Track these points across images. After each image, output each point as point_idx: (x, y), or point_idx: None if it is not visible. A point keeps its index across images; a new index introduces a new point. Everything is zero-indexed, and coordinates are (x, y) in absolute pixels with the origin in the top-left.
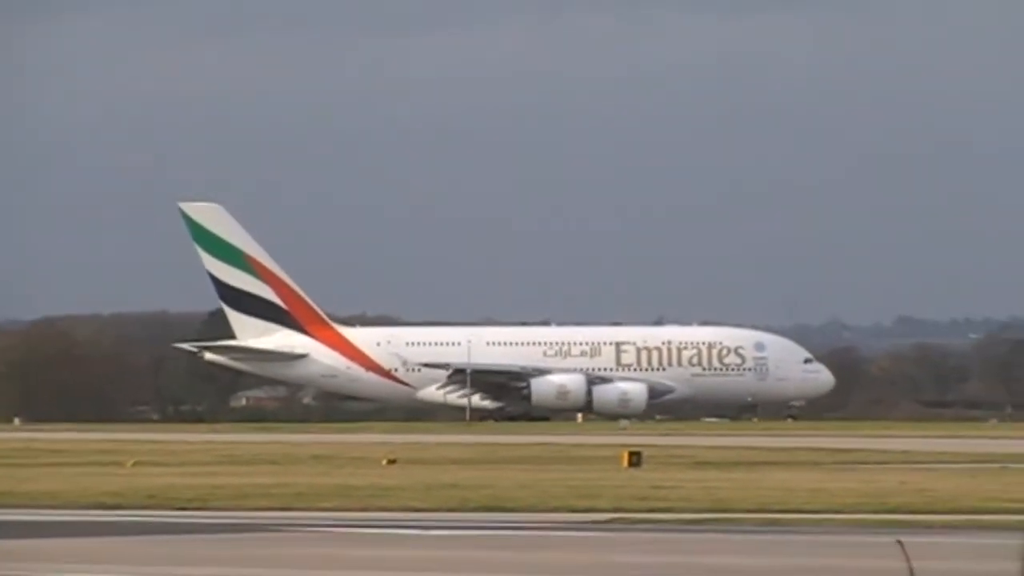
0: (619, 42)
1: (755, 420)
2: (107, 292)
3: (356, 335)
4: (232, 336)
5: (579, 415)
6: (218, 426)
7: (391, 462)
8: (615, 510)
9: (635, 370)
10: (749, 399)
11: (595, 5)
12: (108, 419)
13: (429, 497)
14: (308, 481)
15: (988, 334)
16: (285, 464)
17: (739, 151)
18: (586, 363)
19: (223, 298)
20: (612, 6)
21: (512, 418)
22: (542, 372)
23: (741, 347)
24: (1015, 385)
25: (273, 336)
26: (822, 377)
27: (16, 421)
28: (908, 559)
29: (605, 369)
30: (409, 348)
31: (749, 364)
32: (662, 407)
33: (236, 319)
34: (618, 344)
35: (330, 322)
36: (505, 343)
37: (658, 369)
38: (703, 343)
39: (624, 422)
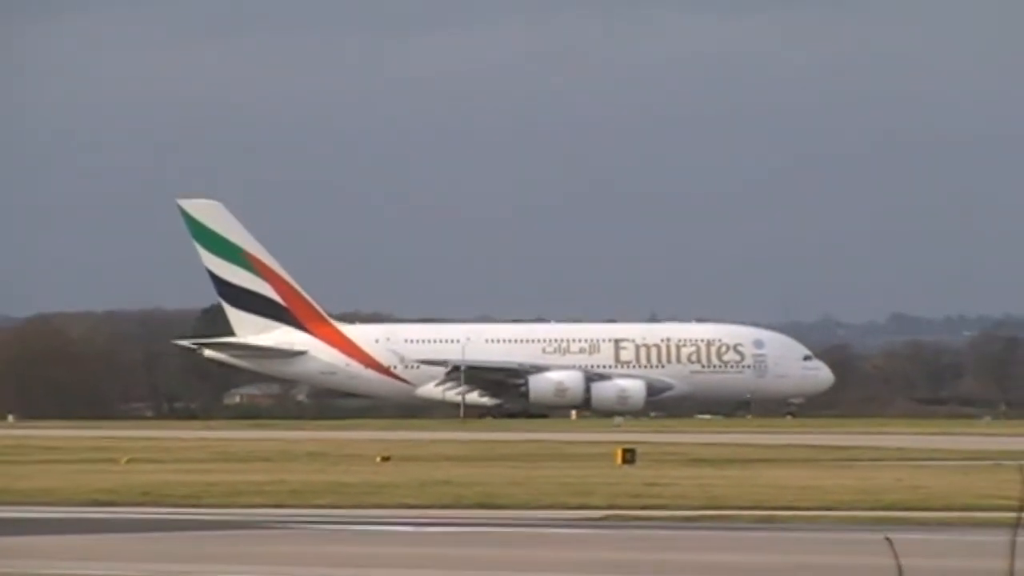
0: (618, 41)
1: (749, 417)
2: (101, 289)
3: (355, 332)
4: (227, 332)
5: (573, 412)
6: (212, 423)
7: (385, 459)
8: (609, 507)
9: (634, 367)
10: (748, 396)
11: (595, 4)
12: (102, 416)
13: (423, 494)
14: (302, 478)
15: (982, 331)
16: (279, 461)
17: (735, 150)
18: (585, 360)
19: (222, 295)
20: (612, 5)
21: (511, 415)
22: (540, 369)
23: (740, 344)
24: (1009, 382)
25: (272, 333)
26: (821, 374)
27: (10, 418)
28: (897, 556)
29: (604, 366)
30: (408, 345)
31: (748, 361)
32: (661, 404)
33: (235, 316)
34: (617, 341)
35: (329, 319)
36: (504, 340)
37: (657, 366)
38: (702, 340)
39: (618, 419)
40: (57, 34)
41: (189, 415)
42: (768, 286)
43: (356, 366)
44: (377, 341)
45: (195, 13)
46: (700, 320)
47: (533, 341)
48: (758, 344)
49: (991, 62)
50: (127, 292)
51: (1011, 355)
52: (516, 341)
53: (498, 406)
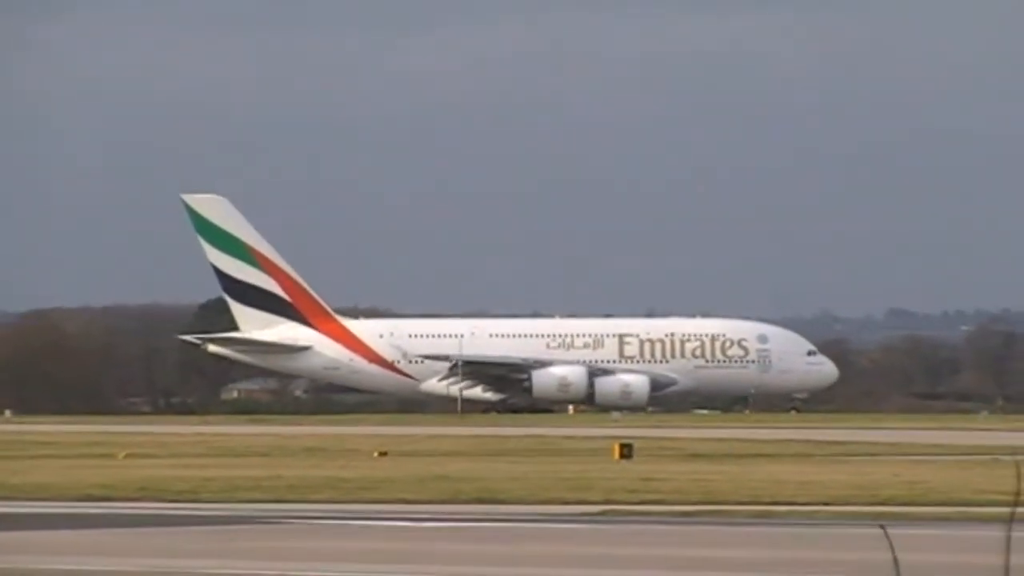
0: (617, 39)
1: (746, 412)
2: (99, 284)
3: (359, 327)
4: (224, 327)
5: (571, 407)
6: (209, 418)
7: (383, 454)
8: (606, 502)
9: (638, 362)
10: (752, 391)
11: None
12: (99, 411)
13: (420, 489)
14: (300, 473)
15: (979, 326)
16: (276, 456)
17: (733, 147)
18: (589, 355)
19: (226, 290)
20: (612, 5)
21: (515, 410)
22: (543, 364)
23: (744, 339)
24: (1006, 377)
25: (276, 328)
26: (825, 369)
27: (7, 413)
28: (892, 546)
29: (608, 361)
30: (412, 340)
31: (752, 356)
32: (665, 399)
33: (239, 311)
34: (621, 336)
35: (333, 314)
36: (508, 335)
37: (661, 361)
38: (706, 335)
39: (616, 414)
40: (56, 30)
41: (186, 410)
42: (766, 281)
43: (360, 361)
44: (381, 336)
45: (196, 6)
46: (701, 315)
47: (537, 336)
48: (762, 339)
49: (986, 58)
50: (125, 287)
51: (1008, 350)
52: (520, 336)
53: (502, 401)
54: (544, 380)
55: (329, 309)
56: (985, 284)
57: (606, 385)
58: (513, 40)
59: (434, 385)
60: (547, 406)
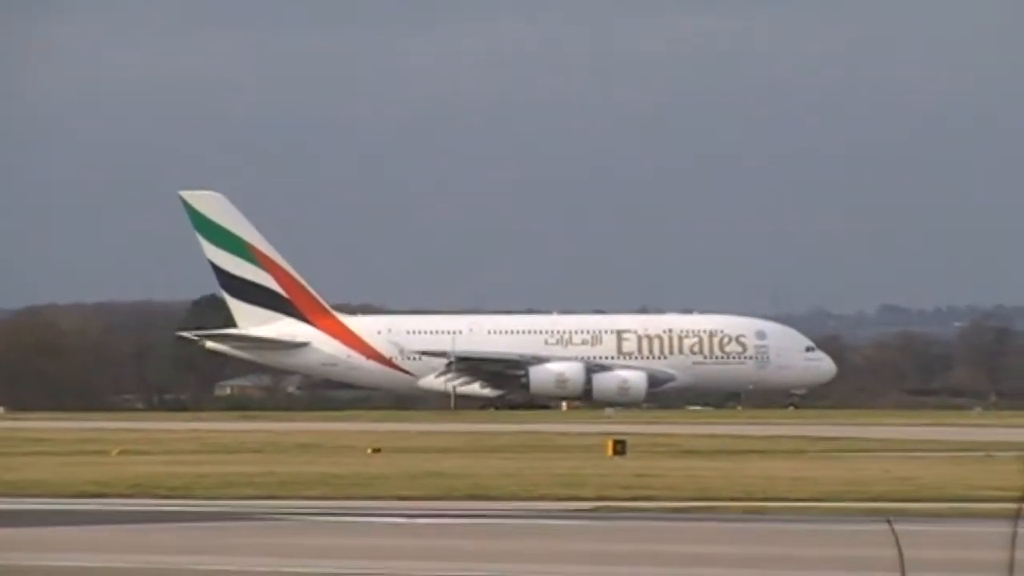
0: (616, 38)
1: (739, 408)
2: (92, 282)
3: (357, 324)
4: (217, 324)
5: (564, 403)
6: (202, 415)
7: (376, 451)
8: (599, 498)
9: (636, 358)
10: (750, 387)
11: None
12: (92, 408)
13: (414, 486)
14: (293, 470)
15: (972, 322)
16: (270, 453)
17: (724, 143)
18: (587, 351)
19: (224, 287)
20: (612, 4)
21: (513, 407)
22: (540, 360)
23: (743, 335)
24: (999, 373)
25: (274, 325)
26: (824, 365)
27: (0, 410)
28: (898, 541)
29: (606, 357)
30: (410, 336)
31: (750, 352)
32: (663, 395)
33: (237, 308)
34: (619, 332)
35: (331, 311)
36: (506, 331)
37: (659, 357)
38: (704, 331)
39: (609, 410)
40: (53, 26)
41: (179, 407)
42: (759, 278)
43: (357, 358)
44: (379, 333)
45: (195, 1)
46: (686, 311)
47: (535, 332)
48: (760, 335)
49: (980, 53)
50: (118, 284)
51: (1001, 346)
52: (518, 332)
53: (500, 397)
54: (541, 376)
55: (327, 305)
56: (978, 280)
57: (604, 381)
58: (510, 37)
59: (432, 381)
60: (545, 402)
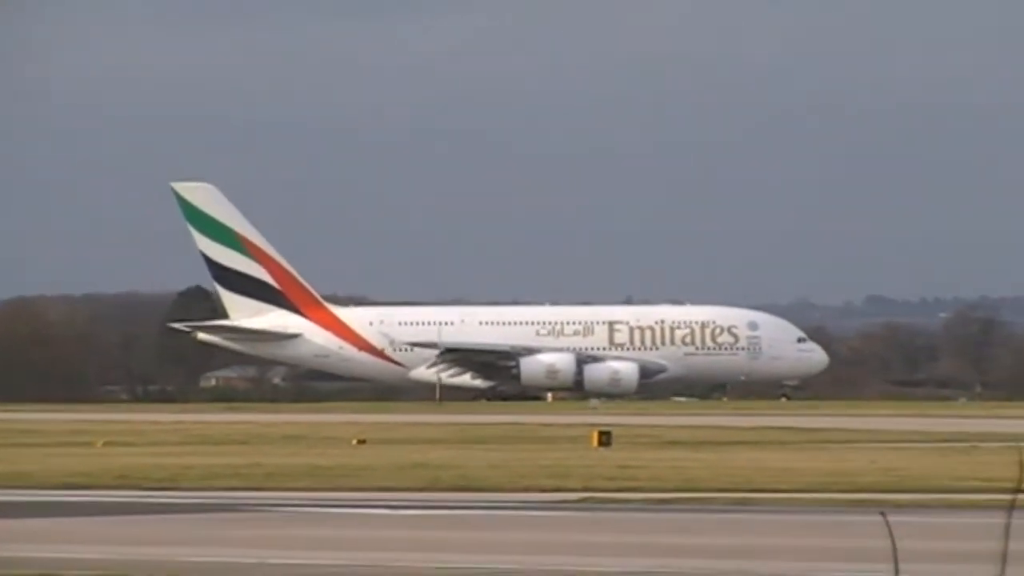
0: (615, 38)
1: (724, 399)
2: (78, 273)
3: (349, 315)
4: (202, 315)
5: (549, 395)
6: (188, 406)
7: (361, 442)
8: (585, 490)
9: (628, 349)
10: (743, 378)
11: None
12: (78, 399)
13: (399, 477)
14: (278, 461)
15: (957, 313)
16: (255, 444)
17: (712, 136)
18: (579, 342)
19: (216, 278)
20: (612, 4)
21: (505, 398)
22: (531, 351)
23: (734, 326)
24: (984, 364)
25: (266, 316)
26: (816, 356)
27: None
28: (891, 533)
29: (598, 348)
30: (401, 327)
31: (742, 343)
32: (655, 386)
33: (229, 299)
34: (611, 323)
35: (323, 302)
36: (498, 322)
37: (651, 348)
38: (696, 322)
39: (594, 401)
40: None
41: (165, 398)
42: (744, 269)
43: (349, 349)
44: (371, 324)
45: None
46: (673, 301)
47: (527, 323)
48: (752, 326)
49: (972, 46)
50: (104, 276)
51: (986, 337)
52: (510, 323)
53: (491, 388)
54: (532, 367)
55: (319, 297)
56: (963, 271)
57: (595, 372)
58: (501, 26)
59: (423, 372)
60: (536, 393)
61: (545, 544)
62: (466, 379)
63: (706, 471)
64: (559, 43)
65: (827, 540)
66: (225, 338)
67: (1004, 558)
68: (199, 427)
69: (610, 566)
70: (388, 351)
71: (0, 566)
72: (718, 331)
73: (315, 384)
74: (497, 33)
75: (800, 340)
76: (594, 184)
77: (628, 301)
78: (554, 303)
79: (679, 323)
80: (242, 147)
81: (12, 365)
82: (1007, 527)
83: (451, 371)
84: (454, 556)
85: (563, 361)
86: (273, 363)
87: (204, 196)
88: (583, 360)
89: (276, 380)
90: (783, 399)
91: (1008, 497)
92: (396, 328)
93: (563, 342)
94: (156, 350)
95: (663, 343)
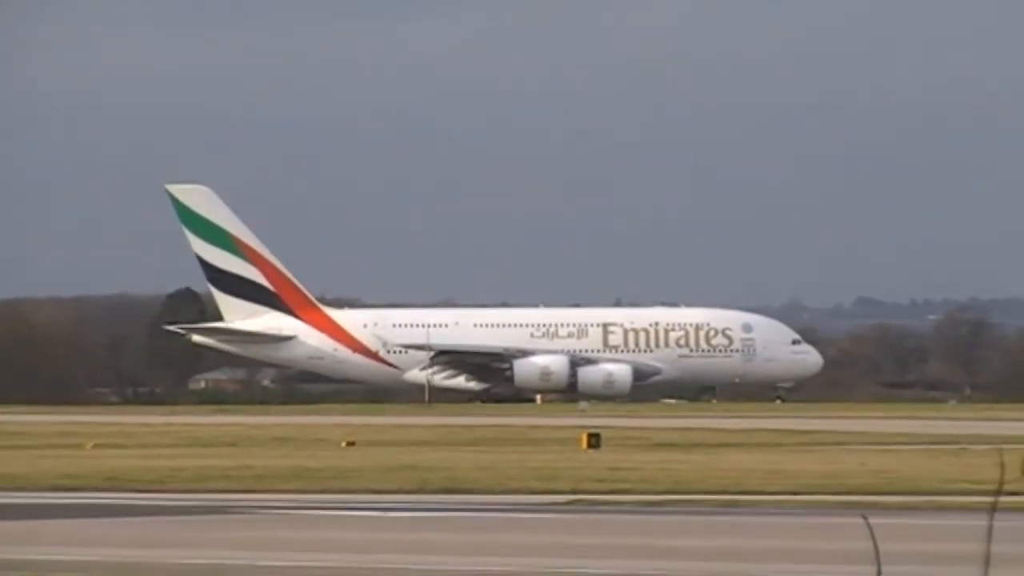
0: (615, 37)
1: (714, 401)
2: (67, 275)
3: (343, 317)
4: (190, 317)
5: (538, 397)
6: (177, 408)
7: (350, 444)
8: (574, 492)
9: (622, 351)
10: (737, 380)
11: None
12: (67, 401)
13: (388, 479)
14: (268, 463)
15: (947, 315)
16: (245, 446)
17: (712, 136)
18: (573, 344)
19: (211, 280)
20: (612, 3)
21: (499, 400)
22: (525, 353)
23: (729, 328)
24: (974, 366)
25: (261, 318)
26: (810, 358)
27: None
28: (873, 535)
29: (592, 351)
30: (395, 330)
31: (737, 345)
32: (649, 389)
33: (224, 301)
34: (605, 326)
35: (318, 304)
36: (492, 325)
37: (645, 351)
38: (690, 324)
39: (583, 404)
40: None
41: (154, 400)
42: (734, 271)
43: (344, 351)
44: (365, 326)
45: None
46: (663, 303)
47: (521, 326)
48: (747, 328)
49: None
50: (93, 278)
51: (976, 339)
52: (504, 326)
53: (485, 391)
54: (526, 369)
55: (313, 299)
56: (953, 273)
57: (589, 375)
58: (499, 26)
59: (417, 375)
60: (530, 395)
61: (534, 546)
62: (460, 381)
63: (695, 473)
64: (559, 43)
65: (815, 542)
66: (219, 340)
67: (987, 560)
68: (188, 429)
69: (599, 568)
70: (382, 353)
71: None
72: (712, 333)
73: (304, 386)
74: (497, 33)
75: (795, 342)
76: (593, 184)
77: (617, 303)
78: (548, 305)
79: (673, 325)
80: (242, 147)
81: (0, 367)
82: (989, 528)
83: (445, 373)
84: (443, 558)
85: (557, 363)
86: (267, 365)
87: (199, 198)
88: (577, 362)
89: (265, 382)
90: (777, 401)
91: (990, 499)
92: (390, 330)
93: (557, 344)
94: (145, 352)
95: (657, 345)
